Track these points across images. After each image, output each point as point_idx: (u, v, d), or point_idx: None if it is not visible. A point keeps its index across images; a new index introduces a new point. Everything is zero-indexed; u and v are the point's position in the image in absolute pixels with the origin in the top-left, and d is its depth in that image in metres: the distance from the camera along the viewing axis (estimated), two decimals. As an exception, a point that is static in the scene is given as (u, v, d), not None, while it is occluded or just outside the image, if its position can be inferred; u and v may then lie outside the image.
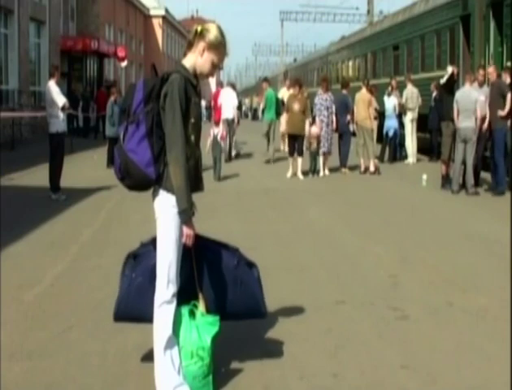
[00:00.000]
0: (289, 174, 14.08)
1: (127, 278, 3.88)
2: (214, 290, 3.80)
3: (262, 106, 20.06)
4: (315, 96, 15.29)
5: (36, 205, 10.28)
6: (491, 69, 12.39)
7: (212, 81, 22.61)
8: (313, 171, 14.32)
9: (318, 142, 14.28)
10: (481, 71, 12.62)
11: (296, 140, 14.15)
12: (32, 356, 4.27)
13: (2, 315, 4.95)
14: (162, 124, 3.51)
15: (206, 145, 12.83)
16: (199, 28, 3.65)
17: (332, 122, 14.73)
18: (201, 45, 3.62)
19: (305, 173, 14.14)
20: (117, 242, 7.67)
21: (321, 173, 14.48)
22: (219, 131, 13.90)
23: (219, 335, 3.66)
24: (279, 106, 17.80)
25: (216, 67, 3.69)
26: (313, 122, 14.55)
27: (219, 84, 19.60)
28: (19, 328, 4.78)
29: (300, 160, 14.07)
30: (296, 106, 14.04)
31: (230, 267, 3.82)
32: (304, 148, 14.42)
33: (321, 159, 14.55)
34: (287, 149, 15.44)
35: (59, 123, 10.74)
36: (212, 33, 3.61)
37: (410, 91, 17.40)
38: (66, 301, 5.43)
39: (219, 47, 3.64)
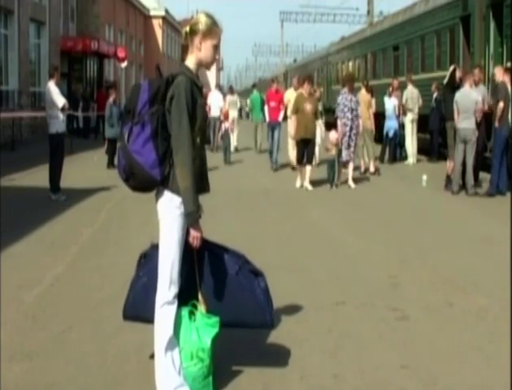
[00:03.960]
0: (298, 183, 12.58)
1: (136, 277, 3.91)
2: (214, 294, 3.76)
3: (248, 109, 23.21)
4: (338, 95, 13.41)
5: (37, 205, 10.28)
6: (499, 71, 12.12)
7: (212, 82, 23.60)
8: (331, 181, 12.57)
9: (338, 149, 12.60)
10: (476, 71, 12.63)
11: (307, 146, 12.53)
12: (32, 356, 4.27)
13: (2, 315, 4.95)
14: (167, 126, 3.49)
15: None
16: (187, 29, 3.65)
17: (358, 126, 12.93)
18: (196, 40, 3.61)
19: (313, 183, 12.49)
20: (117, 242, 7.69)
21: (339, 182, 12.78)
22: (229, 125, 17.56)
23: (219, 336, 3.66)
24: (263, 108, 19.13)
25: (217, 49, 3.67)
26: (334, 125, 12.92)
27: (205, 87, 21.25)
28: (19, 328, 4.78)
29: (309, 168, 12.52)
30: (308, 107, 12.42)
31: (231, 273, 3.77)
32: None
33: (350, 167, 12.84)
34: (293, 155, 14.10)
35: (59, 123, 10.74)
36: (200, 23, 3.60)
37: (410, 91, 17.38)
38: (66, 301, 5.43)
39: (212, 30, 3.62)
